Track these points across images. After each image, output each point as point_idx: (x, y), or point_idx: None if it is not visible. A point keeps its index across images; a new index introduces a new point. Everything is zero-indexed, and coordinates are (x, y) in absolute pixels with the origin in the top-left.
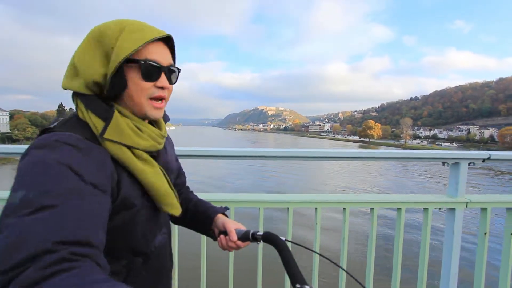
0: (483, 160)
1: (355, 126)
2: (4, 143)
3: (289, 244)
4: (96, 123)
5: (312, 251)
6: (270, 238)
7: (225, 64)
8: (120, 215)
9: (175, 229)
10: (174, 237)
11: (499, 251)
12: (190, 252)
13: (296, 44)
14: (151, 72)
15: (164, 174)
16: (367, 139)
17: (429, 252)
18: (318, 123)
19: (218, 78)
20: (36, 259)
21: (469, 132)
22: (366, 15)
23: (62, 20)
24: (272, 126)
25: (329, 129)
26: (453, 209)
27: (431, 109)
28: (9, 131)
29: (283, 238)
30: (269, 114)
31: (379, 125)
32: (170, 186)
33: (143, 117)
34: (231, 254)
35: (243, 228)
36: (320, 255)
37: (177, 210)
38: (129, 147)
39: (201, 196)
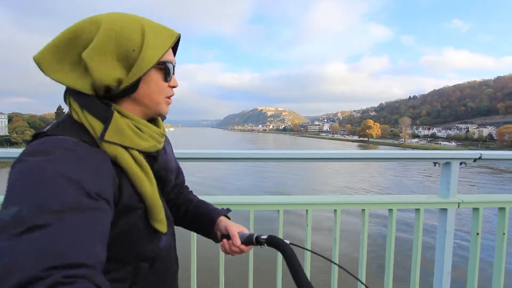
0: (474, 160)
1: (354, 126)
2: (2, 146)
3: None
4: (93, 124)
5: (317, 254)
6: (274, 242)
7: (224, 64)
8: (123, 219)
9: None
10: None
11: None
12: (180, 252)
13: (296, 44)
14: (170, 73)
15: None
16: (366, 139)
17: (426, 251)
18: (317, 123)
19: (217, 79)
20: (28, 286)
21: (467, 131)
22: (364, 15)
23: (60, 22)
24: (271, 127)
25: (328, 129)
26: (445, 210)
27: (430, 108)
28: (7, 134)
29: (288, 242)
30: (268, 114)
31: (378, 124)
32: (161, 199)
33: (155, 115)
34: (222, 254)
35: (246, 231)
36: (324, 257)
37: (164, 227)
38: (128, 149)
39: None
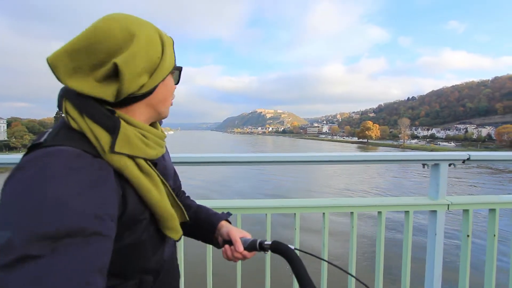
0: (463, 161)
1: (353, 127)
2: (1, 151)
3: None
4: (97, 133)
5: (324, 260)
6: (279, 248)
7: (222, 68)
8: (127, 232)
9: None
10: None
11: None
12: (196, 257)
13: (294, 46)
14: (179, 76)
15: (169, 191)
16: (365, 140)
17: (419, 251)
18: (316, 125)
19: (216, 82)
20: None
21: (466, 131)
22: (362, 17)
23: (57, 26)
24: (270, 129)
25: (327, 131)
26: (434, 212)
27: (429, 109)
28: (6, 139)
29: (292, 247)
30: (268, 117)
31: (377, 125)
32: (176, 202)
33: (159, 118)
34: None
35: (248, 236)
36: (330, 263)
37: (177, 234)
38: (134, 159)
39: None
